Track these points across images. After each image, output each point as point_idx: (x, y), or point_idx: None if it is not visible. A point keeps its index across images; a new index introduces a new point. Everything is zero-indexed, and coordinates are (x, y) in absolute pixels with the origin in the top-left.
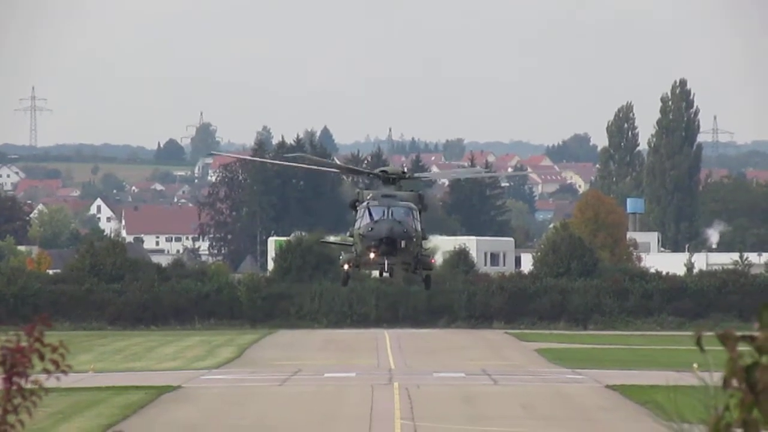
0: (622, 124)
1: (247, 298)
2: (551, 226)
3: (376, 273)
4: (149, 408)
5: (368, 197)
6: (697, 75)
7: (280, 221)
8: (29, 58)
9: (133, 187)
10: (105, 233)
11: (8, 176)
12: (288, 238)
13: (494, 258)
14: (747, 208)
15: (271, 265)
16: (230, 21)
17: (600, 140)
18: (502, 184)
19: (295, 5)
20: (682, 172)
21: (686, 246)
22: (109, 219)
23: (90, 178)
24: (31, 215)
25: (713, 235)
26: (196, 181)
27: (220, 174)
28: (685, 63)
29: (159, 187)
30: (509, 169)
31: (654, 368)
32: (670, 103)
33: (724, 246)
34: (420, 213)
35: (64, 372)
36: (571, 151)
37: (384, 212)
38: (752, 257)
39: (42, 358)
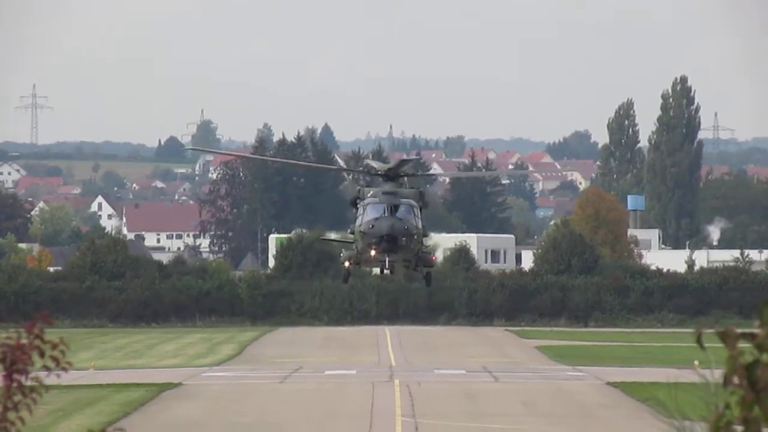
0: (623, 121)
1: (247, 296)
2: (552, 223)
3: (377, 270)
4: (150, 405)
5: (369, 194)
6: (697, 72)
7: (281, 218)
8: (30, 55)
9: (134, 185)
10: (106, 231)
11: (9, 174)
12: (289, 235)
13: (495, 255)
14: (748, 205)
15: (271, 263)
16: (230, 21)
17: (601, 137)
18: (503, 182)
19: (295, 5)
20: (683, 169)
21: (687, 243)
22: (110, 216)
23: (91, 176)
24: (32, 213)
25: (714, 232)
26: (196, 178)
27: (221, 171)
28: (685, 60)
29: (160, 184)
30: (510, 166)
31: (655, 365)
32: (670, 99)
33: (724, 243)
34: (421, 210)
35: (64, 369)
36: (572, 148)
37: (385, 209)
38: (753, 254)
39: (42, 355)
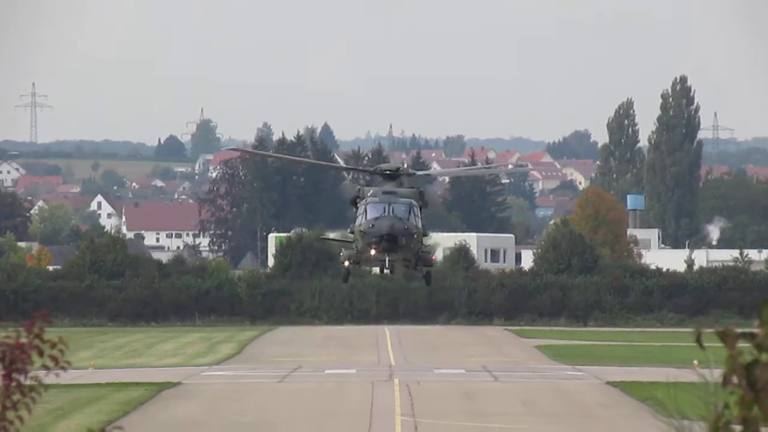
0: (623, 120)
1: (247, 295)
2: (551, 222)
3: (376, 269)
4: (149, 404)
5: (369, 194)
6: (697, 72)
7: (281, 218)
8: (30, 54)
9: (134, 184)
10: (105, 230)
11: (8, 173)
12: (288, 234)
13: (494, 254)
14: (747, 205)
15: (271, 262)
16: (230, 20)
17: (600, 137)
18: (503, 181)
19: (296, 5)
20: (683, 168)
21: (686, 243)
22: (109, 215)
23: (90, 175)
24: (32, 212)
25: (713, 232)
26: (196, 177)
27: (221, 170)
28: (685, 60)
29: (159, 183)
30: (509, 166)
31: (654, 365)
32: (670, 99)
33: (724, 243)
34: (420, 210)
35: (63, 368)
36: (572, 147)
37: (385, 209)
38: (752, 254)
39: (41, 354)
